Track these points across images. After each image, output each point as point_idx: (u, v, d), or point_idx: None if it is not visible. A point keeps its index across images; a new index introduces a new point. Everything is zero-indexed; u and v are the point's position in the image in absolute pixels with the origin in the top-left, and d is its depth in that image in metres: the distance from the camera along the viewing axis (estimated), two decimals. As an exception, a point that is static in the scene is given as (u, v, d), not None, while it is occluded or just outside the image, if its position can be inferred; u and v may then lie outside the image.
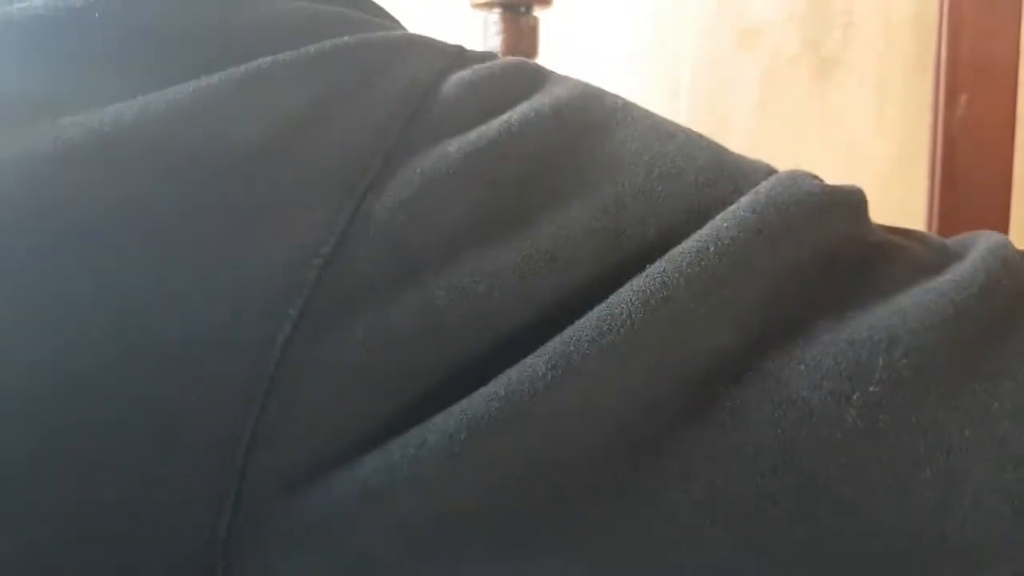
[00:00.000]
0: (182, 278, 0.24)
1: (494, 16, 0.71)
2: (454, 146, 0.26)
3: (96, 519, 0.24)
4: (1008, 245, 0.29)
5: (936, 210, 0.73)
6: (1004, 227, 0.72)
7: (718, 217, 0.26)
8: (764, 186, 0.27)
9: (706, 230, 0.26)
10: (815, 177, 0.29)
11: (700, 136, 0.30)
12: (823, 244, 0.27)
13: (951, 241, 0.30)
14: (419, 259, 0.25)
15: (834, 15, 0.97)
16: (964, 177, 0.72)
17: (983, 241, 0.29)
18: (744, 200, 0.27)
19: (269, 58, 0.26)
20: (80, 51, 0.26)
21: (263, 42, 0.27)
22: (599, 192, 0.26)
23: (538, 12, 0.72)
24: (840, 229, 0.27)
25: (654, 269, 0.25)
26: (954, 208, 0.72)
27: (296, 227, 0.24)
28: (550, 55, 0.99)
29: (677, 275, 0.25)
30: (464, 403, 0.24)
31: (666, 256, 0.25)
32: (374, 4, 0.33)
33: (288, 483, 0.24)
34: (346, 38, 0.28)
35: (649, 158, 0.28)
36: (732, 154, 0.30)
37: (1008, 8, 0.70)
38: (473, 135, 0.26)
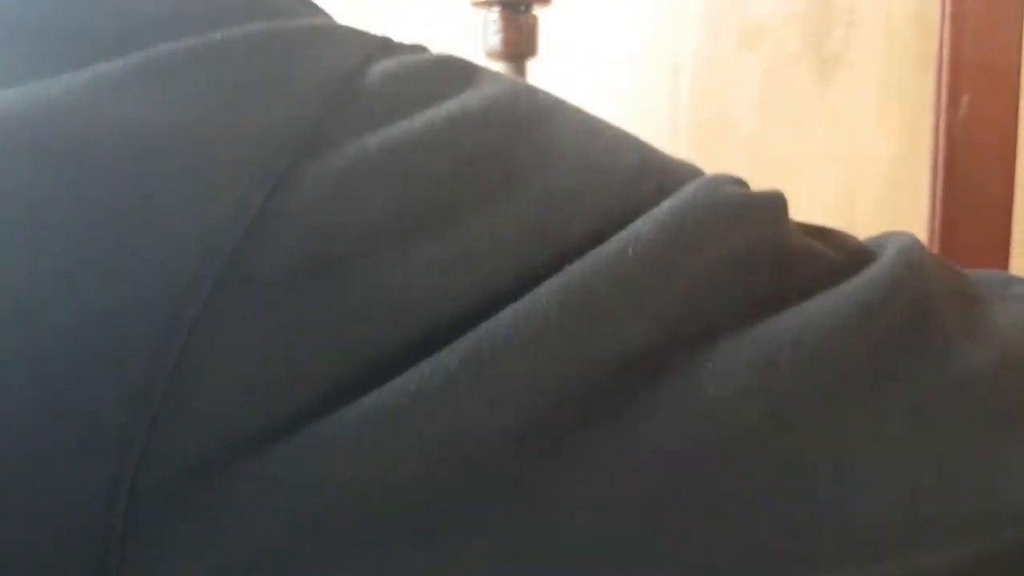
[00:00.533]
0: (70, 265, 0.23)
1: (493, 15, 0.70)
2: (375, 141, 0.26)
3: None
4: (916, 247, 0.30)
5: (938, 209, 0.73)
6: (1006, 226, 0.72)
7: (639, 220, 0.26)
8: (686, 190, 0.28)
9: (627, 232, 0.26)
10: (739, 182, 0.30)
11: (627, 134, 0.31)
12: (740, 249, 0.27)
13: (867, 241, 0.32)
14: (333, 252, 0.24)
15: (835, 15, 0.96)
16: (966, 176, 0.71)
17: (893, 244, 0.29)
18: (666, 204, 0.27)
19: (171, 43, 0.26)
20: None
21: (167, 28, 0.26)
22: (526, 191, 0.27)
23: (537, 11, 0.72)
24: (757, 234, 0.28)
25: (574, 268, 0.25)
26: (956, 207, 0.72)
27: (203, 214, 0.24)
28: (550, 54, 0.99)
29: (594, 273, 0.25)
30: (374, 395, 0.24)
31: (586, 256, 0.26)
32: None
33: (188, 474, 0.23)
34: (258, 24, 0.27)
35: (577, 157, 0.28)
36: (659, 153, 0.31)
37: (1010, 8, 0.70)
38: (395, 130, 0.26)
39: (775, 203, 0.30)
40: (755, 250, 0.28)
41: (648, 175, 0.29)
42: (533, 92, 0.30)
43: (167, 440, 0.23)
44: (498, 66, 0.72)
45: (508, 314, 0.25)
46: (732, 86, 0.99)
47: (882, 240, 0.31)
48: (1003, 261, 0.72)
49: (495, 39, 0.71)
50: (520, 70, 0.72)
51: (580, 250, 0.26)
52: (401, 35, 0.32)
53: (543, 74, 0.99)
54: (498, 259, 0.25)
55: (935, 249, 0.73)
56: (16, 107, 0.25)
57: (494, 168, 0.27)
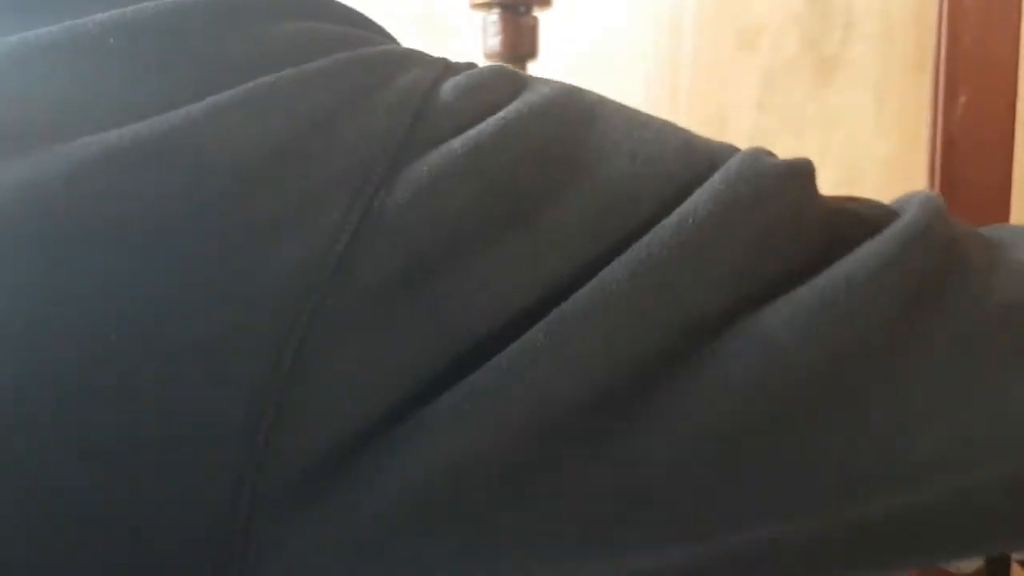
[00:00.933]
0: (195, 281, 0.25)
1: (493, 16, 0.71)
2: (457, 143, 0.28)
3: (112, 514, 0.25)
4: (936, 197, 0.33)
5: (936, 210, 0.73)
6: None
7: (695, 192, 0.29)
8: (733, 162, 0.30)
9: (686, 205, 0.28)
10: (771, 154, 0.32)
11: (668, 123, 0.33)
12: (788, 209, 0.30)
13: (893, 203, 0.34)
14: (428, 253, 0.26)
15: (834, 15, 0.97)
16: (963, 177, 0.72)
17: (916, 198, 0.32)
18: (717, 176, 0.29)
19: (273, 75, 0.28)
20: (96, 77, 0.27)
21: (268, 61, 0.29)
22: (591, 179, 0.29)
23: (538, 12, 0.72)
24: (802, 195, 0.30)
25: (641, 243, 0.28)
26: (953, 206, 0.72)
27: (309, 229, 0.26)
28: (550, 55, 0.99)
29: (660, 247, 0.27)
30: (471, 378, 0.26)
31: (651, 231, 0.28)
32: (372, 23, 0.34)
33: (306, 470, 0.25)
34: (346, 53, 0.29)
35: (630, 146, 0.30)
36: (700, 137, 0.33)
37: (1008, 8, 0.70)
38: (473, 132, 0.28)
39: (809, 169, 0.32)
40: (801, 210, 0.30)
41: (696, 154, 0.31)
42: (580, 93, 0.33)
43: (285, 440, 0.25)
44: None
45: (586, 291, 0.27)
46: (730, 86, 0.99)
47: (903, 199, 0.34)
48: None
49: (495, 40, 0.71)
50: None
51: (646, 227, 0.28)
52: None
53: (542, 75, 0.99)
54: (573, 246, 0.28)
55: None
56: (144, 133, 0.26)
57: (559, 161, 0.29)
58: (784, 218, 0.29)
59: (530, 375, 0.26)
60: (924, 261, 0.30)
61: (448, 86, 0.30)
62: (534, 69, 0.74)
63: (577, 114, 0.31)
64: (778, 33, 0.98)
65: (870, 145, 0.97)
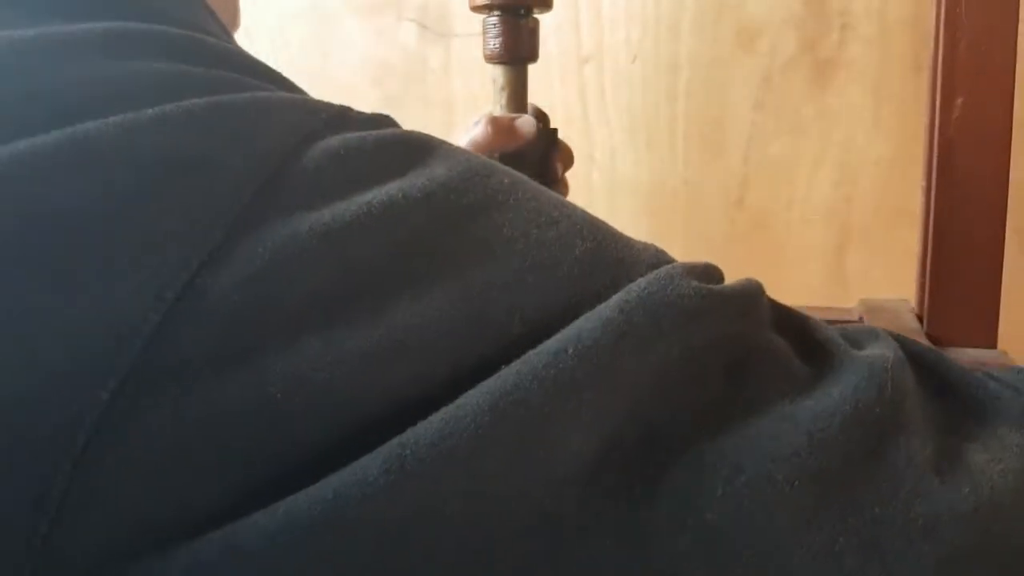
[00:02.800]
0: None
1: (493, 19, 0.71)
2: (306, 224, 0.24)
3: None
4: (899, 365, 0.28)
5: (933, 211, 0.73)
6: (999, 226, 0.72)
7: (583, 317, 0.25)
8: (637, 285, 0.26)
9: (569, 330, 0.24)
10: (707, 272, 0.28)
11: (588, 221, 0.29)
12: (691, 350, 0.26)
13: (849, 331, 0.30)
14: (255, 341, 0.23)
15: (831, 16, 0.97)
16: (961, 178, 0.72)
17: (876, 357, 0.28)
18: (613, 299, 0.25)
19: (102, 119, 0.24)
20: None
21: (101, 103, 0.25)
22: (464, 280, 0.25)
23: (538, 14, 0.72)
24: (711, 334, 0.26)
25: (509, 371, 0.24)
26: (951, 209, 0.72)
27: (119, 299, 0.22)
28: (549, 57, 0.99)
29: (531, 377, 0.23)
30: (289, 502, 0.22)
31: (522, 357, 0.24)
32: (258, 65, 0.30)
33: (90, 569, 0.22)
34: (196, 100, 0.26)
35: (524, 246, 0.26)
36: (618, 242, 0.28)
37: (1005, 10, 0.70)
38: (328, 214, 0.24)
39: (742, 297, 0.28)
40: (706, 353, 0.26)
41: (601, 267, 0.27)
42: (488, 176, 0.28)
43: (68, 539, 0.22)
44: (498, 70, 0.72)
45: (436, 420, 0.23)
46: (729, 88, 1.00)
47: (864, 337, 0.29)
48: (996, 261, 0.73)
49: (495, 43, 0.71)
50: (520, 73, 0.72)
51: (519, 347, 0.24)
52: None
53: (541, 76, 1.00)
54: (428, 353, 0.24)
55: (929, 249, 0.74)
56: None
57: (430, 257, 0.25)
58: (685, 360, 0.25)
59: (360, 514, 0.22)
60: (842, 454, 0.25)
61: (317, 150, 0.26)
62: (533, 71, 0.74)
63: (468, 202, 0.26)
64: (776, 34, 0.98)
65: (867, 146, 0.98)
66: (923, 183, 0.76)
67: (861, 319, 0.79)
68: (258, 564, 0.22)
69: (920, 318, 0.77)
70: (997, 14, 0.70)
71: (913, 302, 0.80)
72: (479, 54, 0.73)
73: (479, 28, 0.72)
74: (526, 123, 0.69)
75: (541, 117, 0.73)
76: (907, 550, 0.25)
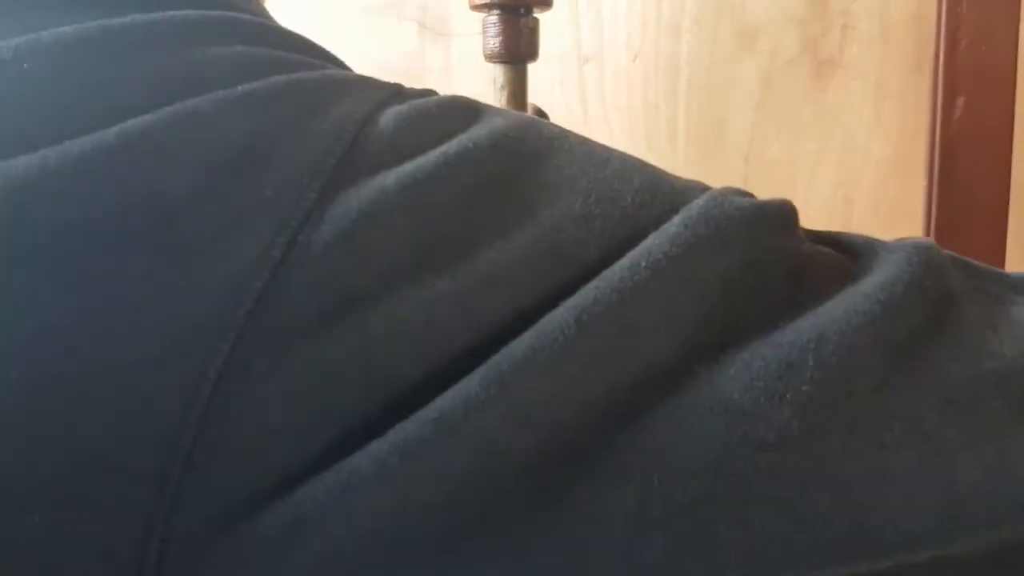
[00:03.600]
0: (109, 315, 0.24)
1: (493, 17, 0.71)
2: (391, 179, 0.26)
3: (18, 555, 0.23)
4: (933, 247, 0.29)
5: (934, 210, 0.73)
6: (1001, 228, 0.72)
7: (651, 235, 0.27)
8: (696, 204, 0.28)
9: (640, 248, 0.26)
10: (747, 193, 0.30)
11: (635, 159, 0.31)
12: (753, 256, 0.27)
13: (881, 244, 0.31)
14: (355, 291, 0.25)
15: (832, 16, 0.97)
16: (962, 178, 0.72)
17: (909, 244, 0.29)
18: (676, 218, 0.27)
19: (195, 99, 0.26)
20: (5, 100, 0.26)
21: (192, 85, 0.27)
22: (538, 218, 0.27)
23: (538, 13, 0.72)
24: (769, 241, 0.28)
25: (589, 287, 0.25)
26: (952, 208, 0.72)
27: (228, 264, 0.24)
28: (549, 57, 0.99)
29: (609, 291, 0.25)
30: (398, 428, 0.24)
31: (601, 275, 0.26)
32: (315, 47, 0.33)
33: (222, 516, 0.23)
34: (279, 77, 0.28)
35: (586, 183, 0.28)
36: (668, 176, 0.31)
37: (1006, 10, 0.70)
38: (410, 167, 0.26)
39: (784, 211, 0.30)
40: (767, 257, 0.28)
41: (659, 195, 0.29)
42: (539, 125, 0.30)
43: (199, 485, 0.23)
44: (498, 69, 0.72)
45: (526, 337, 0.25)
46: (730, 87, 0.99)
47: (895, 244, 0.31)
48: (998, 261, 0.73)
49: (494, 42, 0.71)
50: (520, 73, 0.72)
51: (595, 271, 0.26)
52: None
53: (541, 76, 0.99)
54: (513, 286, 0.26)
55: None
56: (52, 161, 0.25)
57: (505, 198, 0.27)
58: (749, 265, 0.27)
59: (465, 427, 0.24)
60: (907, 321, 0.27)
61: (389, 115, 0.28)
62: (533, 70, 0.74)
63: (530, 148, 0.29)
64: (777, 34, 0.98)
65: (868, 146, 0.98)
66: (924, 183, 0.76)
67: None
68: (372, 486, 0.24)
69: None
70: (998, 14, 0.70)
71: (914, 302, 0.80)
72: (479, 54, 0.73)
73: (479, 28, 0.72)
74: None
75: (541, 117, 0.73)
76: (983, 406, 0.27)
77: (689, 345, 0.26)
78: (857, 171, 0.98)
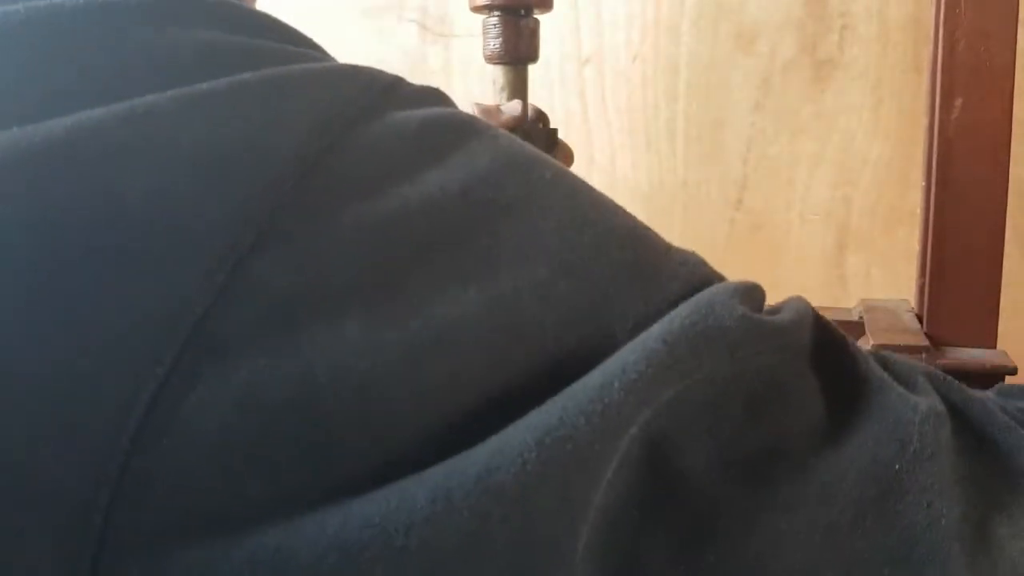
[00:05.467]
0: (43, 321, 0.22)
1: (493, 19, 0.71)
2: (348, 217, 0.24)
3: None
4: (930, 417, 0.27)
5: (932, 211, 0.74)
6: (999, 228, 0.72)
7: (626, 348, 0.25)
8: (679, 313, 0.25)
9: (613, 363, 0.24)
10: (751, 292, 0.27)
11: (626, 226, 0.28)
12: (738, 380, 0.25)
13: (899, 364, 0.29)
14: (300, 325, 0.23)
15: (831, 18, 0.97)
16: (960, 179, 0.72)
17: (911, 399, 0.28)
18: (656, 329, 0.25)
19: (155, 96, 0.24)
20: None
21: (153, 76, 0.25)
22: (499, 279, 0.25)
23: (538, 15, 0.72)
24: (758, 363, 0.26)
25: (552, 405, 0.23)
26: (950, 209, 0.73)
27: (172, 280, 0.23)
28: (549, 58, 0.99)
29: (576, 412, 0.23)
30: (339, 520, 0.22)
31: (566, 392, 0.23)
32: (297, 34, 0.30)
33: (150, 549, 0.22)
34: (245, 76, 0.25)
35: (558, 248, 0.26)
36: (655, 252, 0.28)
37: (1004, 11, 0.70)
38: (368, 208, 0.24)
39: (786, 329, 0.27)
40: (754, 379, 0.26)
41: (635, 281, 0.26)
42: (529, 169, 0.27)
43: (127, 516, 0.22)
44: (498, 70, 0.72)
45: (483, 453, 0.23)
46: (729, 89, 1.00)
47: (907, 373, 0.29)
48: (996, 261, 0.73)
49: (495, 43, 0.71)
50: (521, 74, 0.72)
51: (556, 352, 0.24)
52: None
53: (541, 77, 1.00)
54: (463, 353, 0.24)
55: (929, 250, 0.74)
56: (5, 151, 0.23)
57: (467, 251, 0.25)
58: (730, 389, 0.25)
59: (407, 543, 0.22)
60: (856, 511, 0.25)
61: (364, 138, 0.26)
62: (533, 72, 0.74)
63: (507, 198, 0.26)
64: (775, 36, 0.98)
65: (867, 146, 0.98)
66: (923, 183, 0.76)
67: (861, 319, 0.79)
68: None
69: (920, 318, 0.77)
70: (996, 15, 0.70)
71: (913, 302, 0.80)
72: (479, 54, 0.73)
73: (479, 28, 0.72)
74: (511, 106, 0.69)
75: (541, 118, 0.74)
76: None
77: (625, 461, 0.24)
78: (855, 172, 0.98)
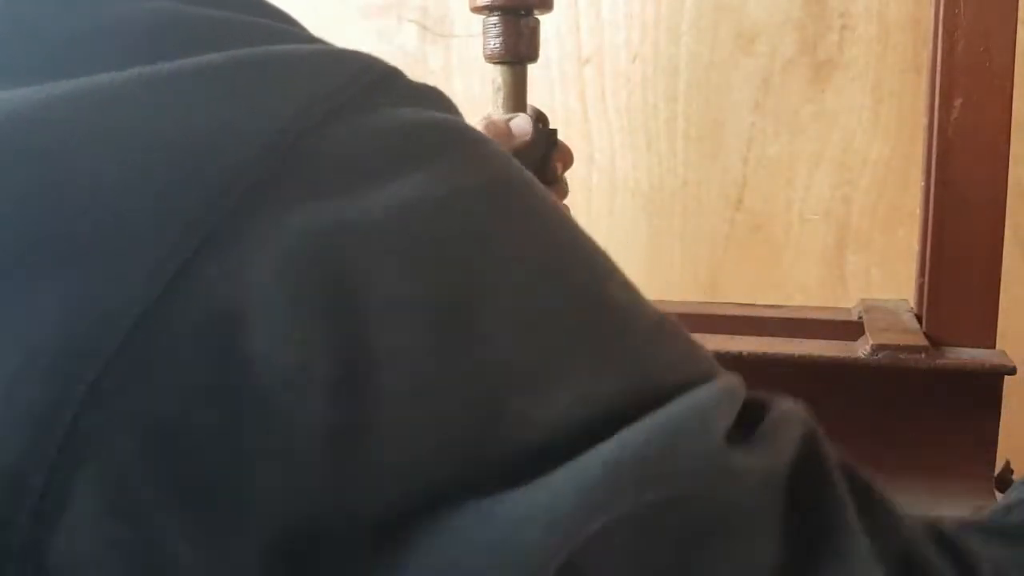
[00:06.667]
0: None
1: (493, 19, 0.71)
2: (301, 222, 0.22)
3: None
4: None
5: (932, 211, 0.74)
6: (998, 228, 0.73)
7: (563, 469, 0.22)
8: (635, 439, 0.23)
9: (541, 494, 0.22)
10: (730, 396, 0.25)
11: (592, 271, 0.26)
12: (703, 515, 0.24)
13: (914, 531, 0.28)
14: (232, 342, 0.21)
15: (830, 18, 0.97)
16: (959, 179, 0.72)
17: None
18: (606, 449, 0.23)
19: (111, 74, 0.23)
20: None
21: (113, 50, 0.23)
22: (457, 361, 0.23)
23: (538, 15, 0.72)
24: (700, 505, 0.24)
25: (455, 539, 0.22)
26: (950, 209, 0.73)
27: (111, 282, 0.21)
28: (549, 58, 1.00)
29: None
30: None
31: (490, 523, 0.22)
32: (268, 5, 0.28)
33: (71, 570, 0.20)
34: (213, 57, 0.24)
35: (534, 308, 0.24)
36: (634, 318, 0.26)
37: (1003, 12, 0.71)
38: (326, 216, 0.22)
39: (767, 471, 0.25)
40: (676, 514, 0.24)
41: (587, 351, 0.24)
42: (507, 189, 0.25)
43: (51, 535, 0.20)
44: (498, 71, 0.72)
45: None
46: (728, 89, 1.00)
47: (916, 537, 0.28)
48: (995, 260, 0.73)
49: (495, 43, 0.71)
50: (521, 74, 0.72)
51: (534, 457, 0.22)
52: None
53: (541, 77, 1.00)
54: (412, 386, 0.22)
55: (928, 249, 0.74)
56: None
57: (416, 283, 0.23)
58: (696, 519, 0.24)
59: None
60: None
61: (333, 134, 0.24)
62: (533, 72, 0.74)
63: (469, 228, 0.24)
64: (775, 36, 0.98)
65: (866, 147, 0.98)
66: (922, 183, 0.76)
67: (860, 319, 0.79)
68: None
69: (919, 318, 0.77)
70: (996, 15, 0.70)
71: (912, 302, 0.80)
72: (479, 54, 0.73)
73: (479, 29, 0.72)
74: (522, 123, 0.69)
75: (541, 118, 0.74)
76: None
77: None
78: (855, 172, 0.98)
